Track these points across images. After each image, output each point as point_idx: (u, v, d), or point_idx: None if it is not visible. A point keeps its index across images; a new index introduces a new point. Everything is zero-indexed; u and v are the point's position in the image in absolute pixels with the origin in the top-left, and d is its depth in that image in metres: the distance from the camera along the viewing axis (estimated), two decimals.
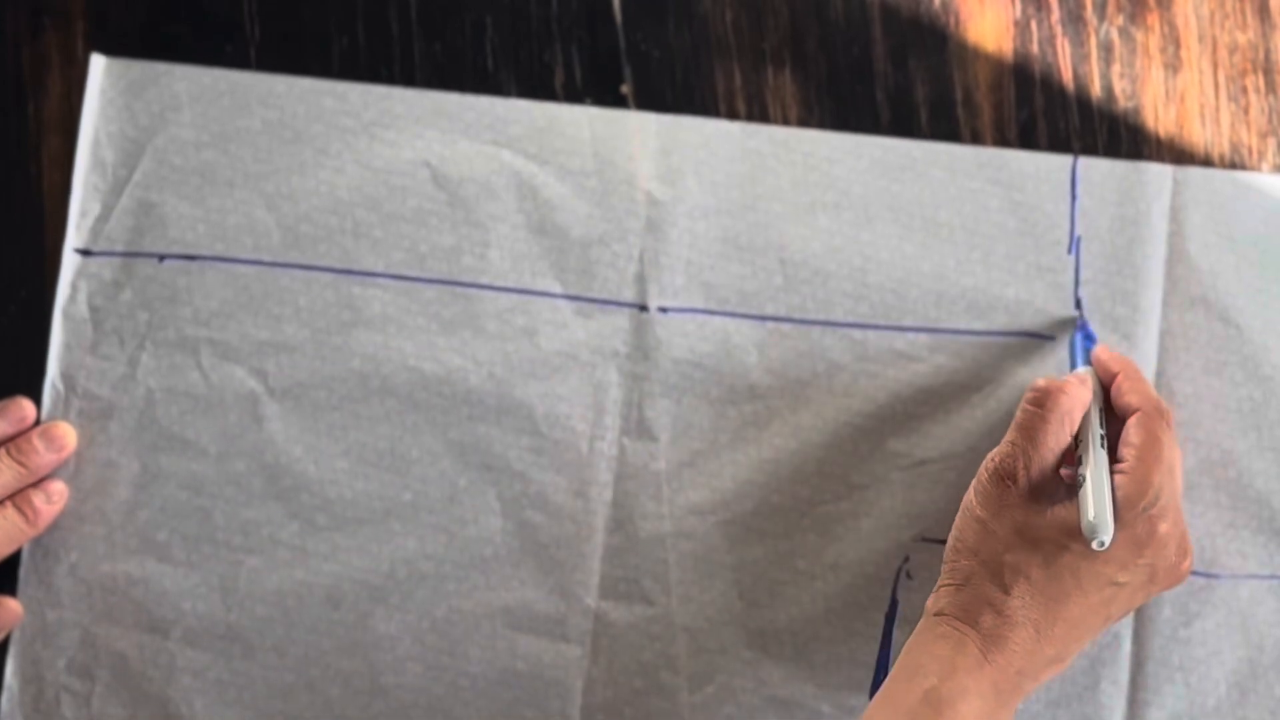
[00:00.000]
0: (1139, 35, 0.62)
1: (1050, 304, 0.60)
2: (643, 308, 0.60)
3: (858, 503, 0.60)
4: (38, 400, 0.59)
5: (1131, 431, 0.54)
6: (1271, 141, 0.62)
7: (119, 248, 0.60)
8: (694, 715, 0.59)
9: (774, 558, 0.60)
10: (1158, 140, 0.62)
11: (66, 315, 0.60)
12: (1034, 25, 0.62)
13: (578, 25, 0.62)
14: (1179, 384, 0.60)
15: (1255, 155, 0.62)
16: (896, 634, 0.59)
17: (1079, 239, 0.61)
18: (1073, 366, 0.59)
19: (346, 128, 0.60)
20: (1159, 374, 0.60)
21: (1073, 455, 0.54)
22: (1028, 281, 0.61)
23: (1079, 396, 0.55)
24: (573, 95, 0.61)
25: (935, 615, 0.53)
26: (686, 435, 0.60)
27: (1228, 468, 0.60)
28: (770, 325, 0.60)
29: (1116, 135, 0.62)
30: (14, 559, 0.58)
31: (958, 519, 0.54)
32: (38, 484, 0.58)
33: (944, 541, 0.60)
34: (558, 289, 0.60)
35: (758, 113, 0.61)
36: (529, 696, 0.59)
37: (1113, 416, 0.56)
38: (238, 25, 0.61)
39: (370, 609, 0.59)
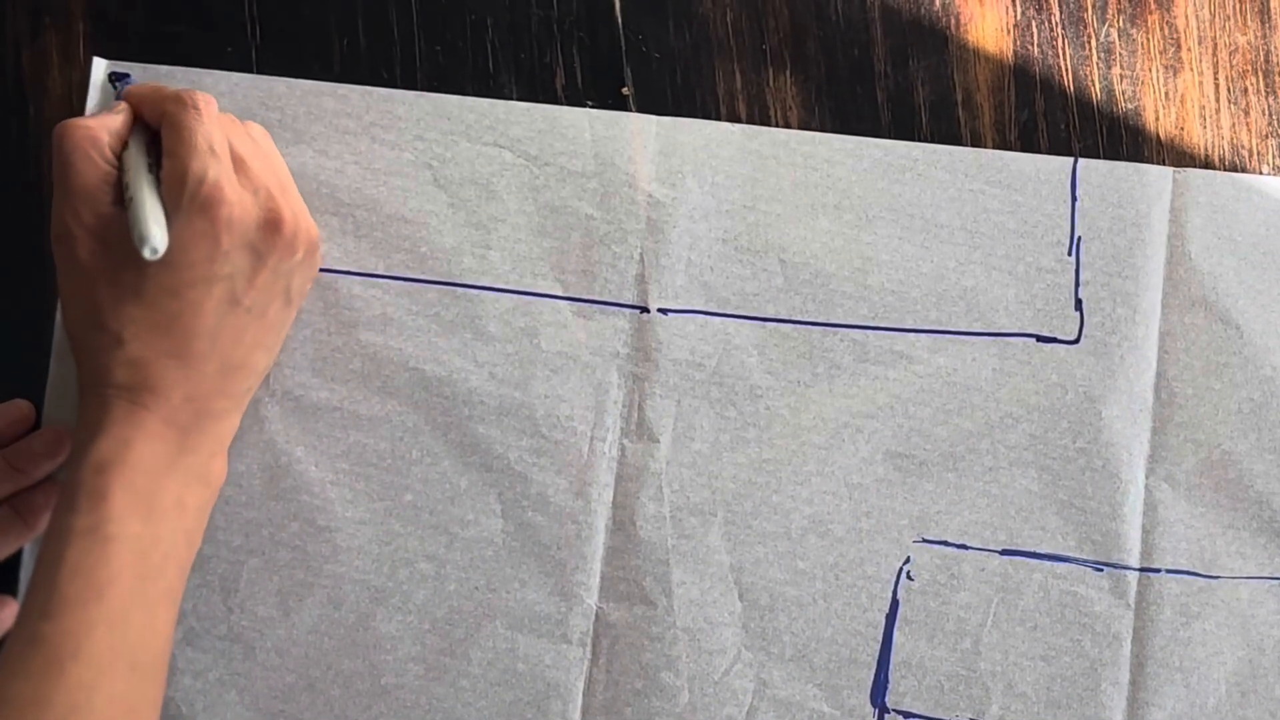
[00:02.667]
0: (1139, 37, 0.62)
1: (1050, 305, 0.61)
2: (643, 309, 0.60)
3: (858, 503, 0.60)
4: (38, 402, 0.59)
5: (163, 136, 0.53)
6: (1272, 143, 0.62)
7: None
8: (694, 717, 0.59)
9: (774, 558, 0.60)
10: (1158, 142, 0.62)
11: None
12: (1034, 27, 0.62)
13: (578, 27, 0.62)
14: (1179, 385, 0.60)
15: (1255, 157, 0.62)
16: (897, 634, 0.59)
17: (1079, 240, 0.61)
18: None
19: (347, 129, 0.60)
20: (1159, 375, 0.61)
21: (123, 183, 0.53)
22: (1028, 283, 0.61)
23: (103, 124, 0.53)
24: (573, 97, 0.61)
25: (79, 402, 0.52)
26: (687, 436, 0.60)
27: (1228, 469, 0.60)
28: (771, 326, 0.60)
29: (1117, 137, 0.62)
30: (14, 561, 0.58)
31: (60, 301, 0.53)
32: (36, 486, 0.58)
33: (944, 543, 0.60)
34: (558, 290, 0.60)
35: (758, 114, 0.61)
36: (529, 697, 0.59)
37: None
38: (239, 27, 0.61)
39: (371, 610, 0.59)
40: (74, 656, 0.48)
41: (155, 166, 0.53)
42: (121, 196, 0.53)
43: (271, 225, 0.53)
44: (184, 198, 0.51)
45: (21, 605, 0.50)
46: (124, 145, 0.54)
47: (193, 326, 0.52)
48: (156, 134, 0.55)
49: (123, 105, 0.55)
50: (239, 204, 0.52)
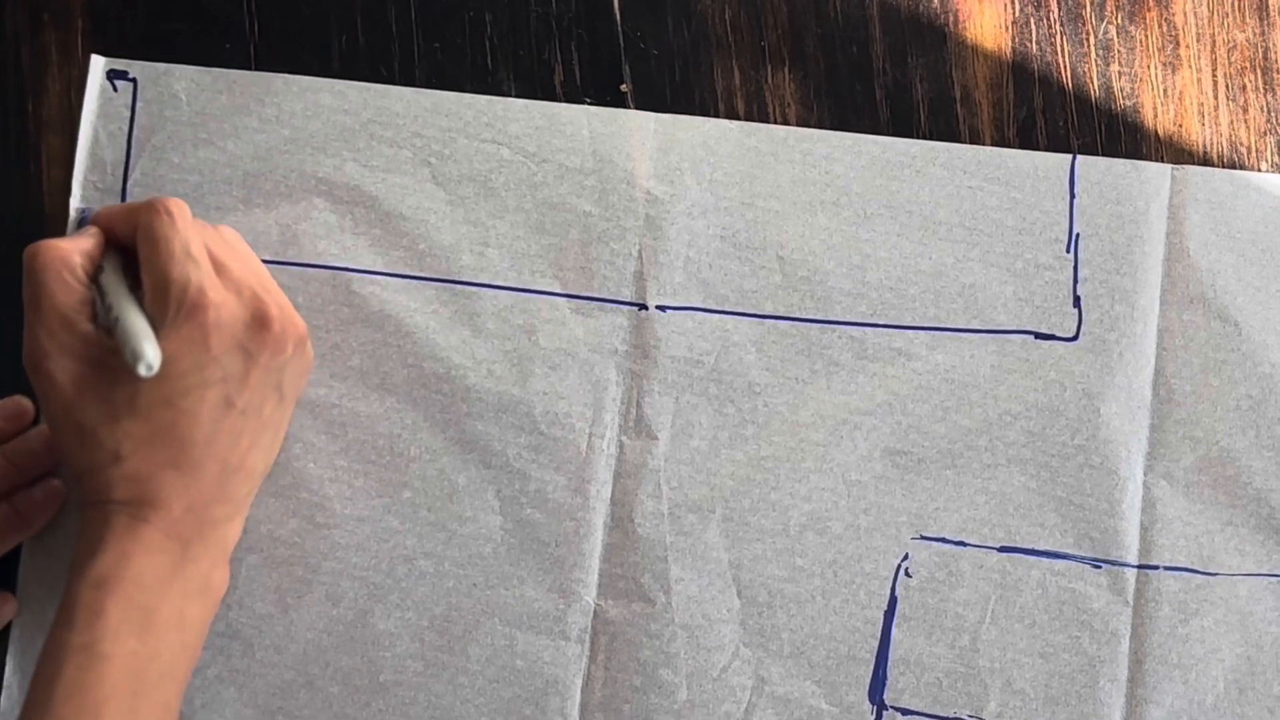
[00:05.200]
0: (1138, 34, 0.62)
1: (1049, 302, 0.61)
2: (642, 306, 0.60)
3: (856, 500, 0.60)
4: (37, 399, 0.59)
5: (139, 248, 0.53)
6: (1270, 140, 0.62)
7: None
8: (693, 713, 0.59)
9: (772, 555, 0.60)
10: (1156, 139, 0.62)
11: None
12: (1033, 24, 0.62)
13: (577, 24, 0.62)
14: (1178, 382, 0.60)
15: (1253, 154, 0.62)
16: (896, 631, 0.59)
17: (1078, 237, 0.61)
18: None
19: (345, 126, 0.60)
20: (1157, 372, 0.61)
21: (100, 305, 0.52)
22: (1026, 280, 0.61)
23: (74, 246, 0.53)
24: (572, 94, 0.61)
25: (77, 520, 0.52)
26: (685, 433, 0.60)
27: (1226, 466, 0.60)
28: (769, 323, 0.60)
29: (1115, 134, 0.62)
30: (13, 557, 0.58)
31: (48, 427, 0.53)
32: (34, 483, 0.58)
33: (943, 540, 0.60)
34: (557, 287, 0.60)
35: (757, 111, 0.62)
36: (528, 694, 0.59)
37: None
38: (237, 24, 0.61)
39: (369, 606, 0.59)
40: None
41: (133, 285, 0.53)
42: (97, 317, 0.52)
43: (259, 323, 0.52)
44: (169, 307, 0.51)
45: None
46: (98, 268, 0.54)
47: (189, 434, 0.51)
48: (128, 254, 0.54)
49: (93, 228, 0.55)
50: (224, 306, 0.52)
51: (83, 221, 0.58)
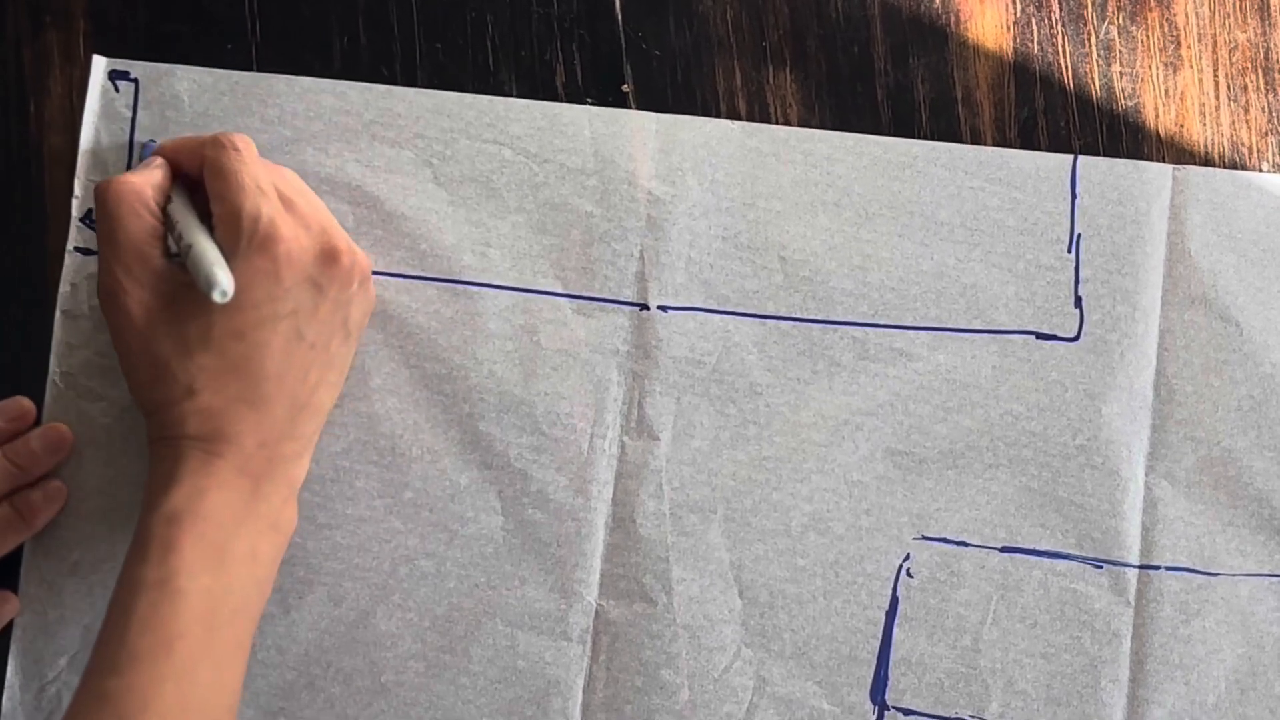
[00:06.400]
0: (1139, 34, 0.62)
1: (1050, 302, 0.61)
2: (643, 306, 0.60)
3: (857, 500, 0.60)
4: (39, 399, 0.59)
5: (207, 181, 0.53)
6: (1271, 140, 0.62)
7: None
8: (694, 714, 0.59)
9: (774, 555, 0.60)
10: (1157, 139, 0.62)
11: (67, 314, 0.60)
12: (1034, 24, 0.62)
13: (579, 24, 0.62)
14: (1179, 382, 0.61)
15: (1255, 154, 0.62)
16: (897, 631, 0.59)
17: (1079, 237, 0.61)
18: None
19: (347, 127, 0.60)
20: (1159, 372, 0.61)
21: (172, 236, 0.53)
22: (1028, 280, 0.61)
23: (144, 179, 0.53)
24: (574, 94, 0.61)
25: (150, 456, 0.52)
26: (687, 433, 0.60)
27: (1227, 466, 0.60)
28: (771, 324, 0.60)
29: (1116, 134, 0.62)
30: (15, 558, 0.58)
31: (119, 362, 0.53)
32: (36, 483, 0.58)
33: (944, 540, 0.60)
34: (558, 287, 0.60)
35: (758, 112, 0.62)
36: (530, 694, 0.59)
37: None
38: (239, 25, 0.61)
39: (371, 607, 0.59)
40: (142, 712, 0.47)
41: (200, 218, 0.54)
42: (168, 251, 0.53)
43: (329, 257, 0.53)
44: (241, 238, 0.51)
45: (91, 658, 0.49)
46: (167, 199, 0.54)
47: (261, 368, 0.51)
48: (194, 185, 0.55)
49: (159, 160, 0.55)
50: (295, 239, 0.52)
51: (143, 154, 0.59)
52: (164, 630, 0.48)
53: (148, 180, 0.54)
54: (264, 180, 0.53)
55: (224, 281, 0.49)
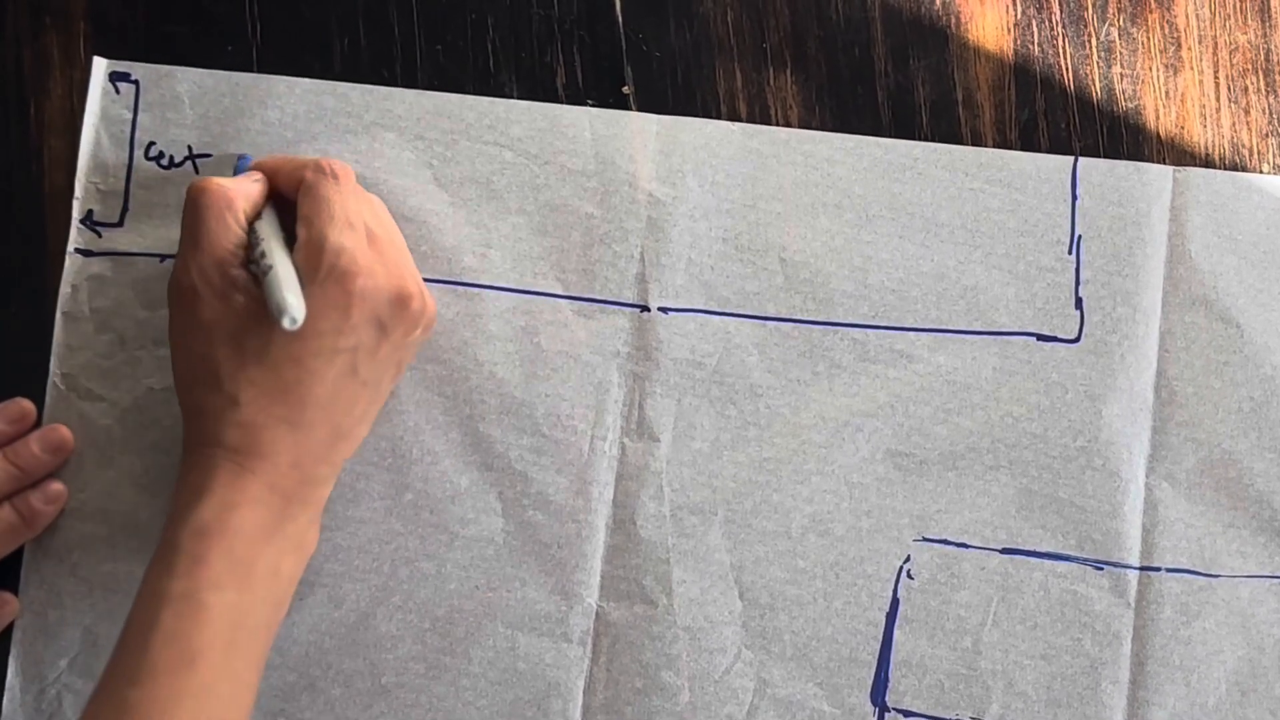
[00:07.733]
0: (1139, 35, 0.62)
1: (1051, 304, 0.61)
2: (644, 308, 0.60)
3: (858, 501, 0.60)
4: (39, 401, 0.59)
5: (300, 203, 0.53)
6: (1272, 142, 0.62)
7: (120, 248, 0.60)
8: (695, 716, 0.59)
9: (774, 556, 0.60)
10: (1158, 140, 0.62)
11: (68, 315, 0.60)
12: (1034, 26, 0.62)
13: (579, 26, 0.62)
14: (1180, 384, 0.60)
15: (1255, 156, 0.62)
16: (898, 633, 0.59)
17: (1079, 239, 0.61)
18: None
19: (348, 128, 0.60)
20: (1159, 374, 0.61)
21: (254, 251, 0.53)
22: (1028, 281, 0.61)
23: (240, 189, 0.54)
24: (574, 96, 0.61)
25: (183, 460, 0.52)
26: (687, 435, 0.60)
27: (1228, 468, 0.60)
28: (771, 325, 0.60)
29: (1117, 136, 0.62)
30: (15, 560, 0.58)
31: (171, 356, 0.54)
32: (36, 485, 0.58)
33: (945, 541, 0.60)
34: (559, 289, 0.60)
35: (759, 113, 0.62)
36: (530, 696, 0.59)
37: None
38: (239, 26, 0.61)
39: (371, 609, 0.59)
40: None
41: (286, 237, 0.54)
42: (248, 261, 0.53)
43: (401, 301, 0.53)
44: (321, 268, 0.51)
45: (109, 665, 0.49)
46: (257, 214, 0.55)
47: (310, 394, 0.51)
48: (281, 205, 0.55)
49: (258, 174, 0.56)
50: (372, 276, 0.52)
51: (238, 169, 0.58)
52: (187, 644, 0.48)
53: (241, 191, 0.54)
54: (354, 213, 0.53)
55: (295, 310, 0.49)
